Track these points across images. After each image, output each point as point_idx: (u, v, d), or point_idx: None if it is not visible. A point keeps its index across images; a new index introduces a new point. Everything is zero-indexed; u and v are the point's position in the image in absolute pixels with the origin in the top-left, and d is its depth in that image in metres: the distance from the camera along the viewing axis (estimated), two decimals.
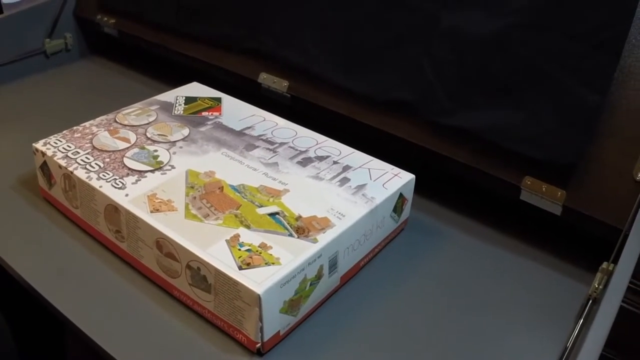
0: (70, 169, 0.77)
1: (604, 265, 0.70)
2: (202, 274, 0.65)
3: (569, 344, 0.65)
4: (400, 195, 0.79)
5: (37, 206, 0.84)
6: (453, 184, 0.91)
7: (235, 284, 0.62)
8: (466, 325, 0.69)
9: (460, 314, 0.71)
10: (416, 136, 0.86)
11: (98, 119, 0.89)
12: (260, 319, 0.61)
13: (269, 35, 1.00)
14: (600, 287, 0.69)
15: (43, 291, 0.70)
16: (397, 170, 0.81)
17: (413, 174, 0.79)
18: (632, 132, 0.72)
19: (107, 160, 0.79)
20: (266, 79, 1.02)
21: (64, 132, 0.85)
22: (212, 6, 1.07)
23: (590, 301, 0.69)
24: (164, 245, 0.68)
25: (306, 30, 0.96)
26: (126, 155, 0.80)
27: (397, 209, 0.79)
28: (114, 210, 0.73)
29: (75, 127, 0.86)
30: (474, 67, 0.81)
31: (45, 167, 0.81)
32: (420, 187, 0.86)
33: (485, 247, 0.82)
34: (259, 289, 0.60)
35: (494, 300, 0.73)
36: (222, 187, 0.75)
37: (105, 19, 1.24)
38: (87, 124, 0.87)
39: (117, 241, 0.75)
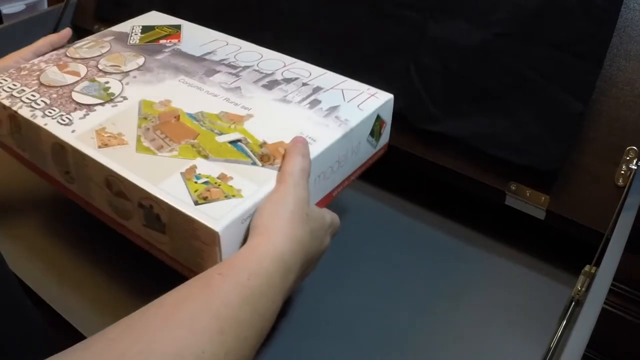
0: (15, 108, 0.68)
1: (587, 268, 0.69)
2: (155, 213, 0.56)
3: (552, 345, 0.65)
4: (378, 117, 0.71)
5: None
6: (439, 188, 0.90)
7: (191, 221, 0.53)
8: (450, 326, 0.69)
9: (444, 316, 0.70)
10: (403, 142, 0.85)
11: (47, 55, 0.80)
12: (221, 260, 0.53)
13: (262, 45, 0.99)
14: (583, 289, 0.68)
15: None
16: (373, 90, 0.73)
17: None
18: (614, 139, 0.72)
19: (54, 96, 0.69)
20: None
21: (10, 70, 0.75)
22: (205, 16, 1.07)
23: (573, 303, 0.69)
24: (113, 184, 0.59)
25: (296, 39, 0.95)
26: (75, 89, 0.71)
27: (375, 132, 0.72)
28: (60, 148, 0.64)
29: (23, 65, 0.77)
30: (459, 76, 0.80)
31: None
32: (406, 192, 0.86)
33: (470, 250, 0.80)
34: (217, 226, 0.52)
35: (478, 302, 0.72)
36: (179, 115, 0.66)
37: (102, 28, 1.23)
38: (35, 60, 0.78)
39: (67, 183, 0.66)
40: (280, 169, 0.58)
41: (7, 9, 1.88)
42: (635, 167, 0.70)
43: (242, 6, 1.01)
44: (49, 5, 1.98)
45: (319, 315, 0.69)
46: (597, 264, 0.66)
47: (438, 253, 0.80)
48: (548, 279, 0.76)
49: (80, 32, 1.28)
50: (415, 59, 0.83)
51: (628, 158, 0.71)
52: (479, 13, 0.78)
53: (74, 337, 0.64)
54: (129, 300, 0.68)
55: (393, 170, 0.80)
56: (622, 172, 0.71)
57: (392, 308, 0.71)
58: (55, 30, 1.25)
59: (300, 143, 0.60)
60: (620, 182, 0.71)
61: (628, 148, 0.71)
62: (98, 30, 1.22)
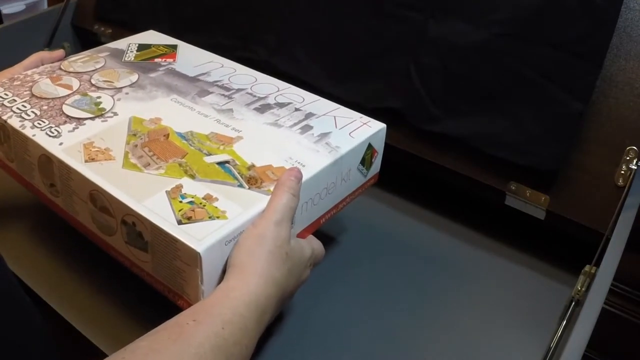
0: (4, 117, 0.66)
1: (587, 268, 0.68)
2: (137, 230, 0.54)
3: (552, 345, 0.64)
4: (370, 145, 0.69)
5: None
6: (439, 189, 0.90)
7: (173, 241, 0.51)
8: (450, 326, 0.68)
9: (444, 316, 0.69)
10: (403, 142, 0.84)
11: (42, 67, 0.78)
12: (202, 282, 0.51)
13: (262, 45, 0.99)
14: (583, 289, 0.68)
15: None
16: (366, 119, 0.71)
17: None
18: (613, 139, 0.71)
19: (45, 108, 0.68)
20: None
21: (4, 80, 0.74)
22: (205, 16, 1.06)
23: (573, 303, 0.68)
24: (98, 199, 0.57)
25: (297, 40, 0.95)
26: (66, 102, 0.69)
27: (366, 161, 0.69)
28: (47, 160, 0.62)
29: (16, 76, 0.75)
30: (459, 76, 0.79)
31: None
32: (406, 192, 0.86)
33: (470, 250, 0.80)
34: (199, 247, 0.50)
35: (478, 302, 0.72)
36: (168, 134, 0.64)
37: (102, 28, 1.22)
38: (29, 72, 0.76)
39: (52, 196, 0.64)
40: (267, 203, 0.56)
41: (7, 9, 1.86)
42: (635, 167, 0.69)
43: (243, 8, 1.01)
44: (49, 5, 1.98)
45: (318, 314, 0.69)
46: (597, 264, 0.66)
47: (438, 253, 0.79)
48: (548, 279, 0.76)
49: (80, 32, 1.28)
50: (415, 59, 0.83)
51: (628, 158, 0.70)
52: (479, 13, 0.78)
53: (73, 337, 0.64)
54: (129, 299, 0.68)
55: (393, 170, 0.79)
56: (622, 172, 0.70)
57: (390, 308, 0.70)
58: (55, 30, 1.25)
59: (294, 179, 0.57)
60: (620, 182, 0.70)
61: (628, 148, 0.70)
62: (98, 30, 1.22)
